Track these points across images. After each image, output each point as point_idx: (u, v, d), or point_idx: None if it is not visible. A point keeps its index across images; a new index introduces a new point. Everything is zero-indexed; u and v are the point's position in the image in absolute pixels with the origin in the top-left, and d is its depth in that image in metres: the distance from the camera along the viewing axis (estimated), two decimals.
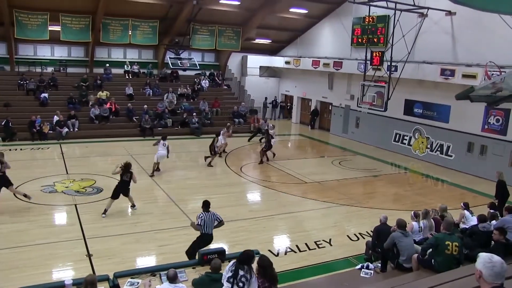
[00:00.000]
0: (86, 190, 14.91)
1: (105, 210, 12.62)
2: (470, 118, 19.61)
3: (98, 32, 26.41)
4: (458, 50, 20.23)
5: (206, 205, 9.55)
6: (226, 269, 6.79)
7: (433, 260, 8.02)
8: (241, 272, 6.62)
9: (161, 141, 17.28)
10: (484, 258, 3.85)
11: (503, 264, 3.79)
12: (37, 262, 9.61)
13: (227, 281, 6.65)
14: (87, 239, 10.94)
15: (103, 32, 26.66)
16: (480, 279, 3.87)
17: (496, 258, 3.82)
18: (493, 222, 9.99)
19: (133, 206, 13.24)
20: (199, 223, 9.20)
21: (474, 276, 3.93)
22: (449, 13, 20.15)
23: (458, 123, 20.34)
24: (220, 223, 9.52)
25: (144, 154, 20.65)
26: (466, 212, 10.93)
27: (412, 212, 10.34)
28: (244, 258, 6.78)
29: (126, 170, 12.82)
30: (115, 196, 12.74)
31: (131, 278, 7.48)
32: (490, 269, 3.76)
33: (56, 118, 22.88)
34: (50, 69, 27.29)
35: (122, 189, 12.83)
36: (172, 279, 6.79)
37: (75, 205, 13.33)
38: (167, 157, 17.46)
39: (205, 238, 9.28)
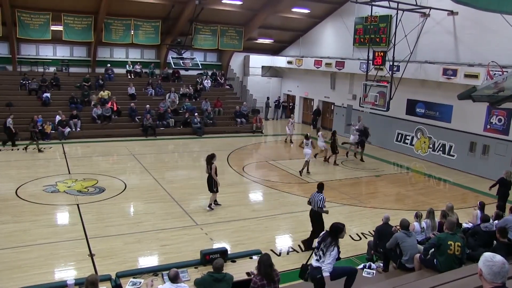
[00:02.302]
0: (88, 190, 14.92)
1: (210, 204, 13.48)
2: (472, 118, 19.57)
3: (100, 32, 26.45)
4: (460, 50, 20.20)
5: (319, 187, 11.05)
6: (316, 240, 7.56)
7: (435, 260, 8.00)
8: (323, 244, 7.18)
9: (304, 140, 18.27)
10: (485, 257, 3.84)
11: (504, 265, 3.77)
12: (39, 262, 9.62)
13: (314, 252, 7.43)
14: (89, 239, 10.96)
15: (105, 32, 26.70)
16: (481, 277, 3.87)
17: (498, 258, 3.80)
18: (496, 222, 9.98)
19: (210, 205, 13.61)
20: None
21: (477, 275, 3.93)
22: (451, 13, 20.11)
23: (460, 123, 20.30)
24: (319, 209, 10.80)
25: (146, 154, 20.73)
26: (479, 212, 10.87)
27: (415, 212, 10.35)
28: (331, 230, 7.31)
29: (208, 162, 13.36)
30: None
31: (133, 278, 7.49)
32: (490, 268, 3.75)
33: (58, 117, 22.91)
34: (52, 69, 27.33)
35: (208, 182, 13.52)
36: (174, 279, 6.79)
37: (77, 205, 13.33)
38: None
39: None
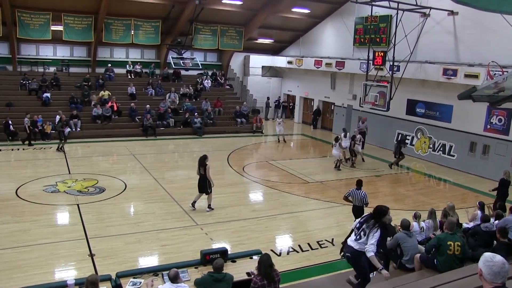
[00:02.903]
0: (88, 190, 14.92)
1: (209, 205, 13.44)
2: (473, 118, 19.57)
3: (100, 32, 26.46)
4: (461, 50, 20.20)
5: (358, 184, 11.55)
6: (357, 220, 7.66)
7: (435, 260, 8.01)
8: (364, 225, 7.30)
9: (333, 142, 19.05)
10: (485, 257, 3.86)
11: (504, 265, 3.79)
12: (39, 262, 9.62)
13: (353, 232, 7.50)
14: (90, 239, 10.96)
15: (106, 32, 26.70)
16: (481, 277, 3.89)
17: (498, 258, 3.82)
18: (496, 222, 9.98)
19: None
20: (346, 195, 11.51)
21: (477, 275, 3.94)
22: (452, 13, 20.11)
23: (461, 123, 20.30)
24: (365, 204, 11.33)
25: (146, 154, 20.74)
26: (479, 212, 10.88)
27: (414, 213, 10.41)
28: (374, 212, 7.37)
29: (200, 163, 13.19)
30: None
31: (134, 278, 7.49)
32: (490, 268, 3.77)
33: (58, 118, 22.88)
34: (52, 69, 27.33)
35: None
36: (174, 279, 6.79)
37: (78, 204, 13.34)
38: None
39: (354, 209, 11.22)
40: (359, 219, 7.64)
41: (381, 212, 7.39)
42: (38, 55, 27.33)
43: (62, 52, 27.92)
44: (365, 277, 7.68)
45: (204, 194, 13.35)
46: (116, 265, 9.31)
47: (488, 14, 15.71)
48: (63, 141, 20.54)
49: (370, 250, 7.14)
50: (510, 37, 16.09)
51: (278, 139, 25.18)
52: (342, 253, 9.28)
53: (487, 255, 3.89)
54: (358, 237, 7.33)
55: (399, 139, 21.68)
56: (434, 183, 18.57)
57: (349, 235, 8.21)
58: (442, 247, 7.89)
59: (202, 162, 13.15)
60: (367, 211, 10.51)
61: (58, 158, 19.28)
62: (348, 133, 20.19)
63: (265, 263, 6.82)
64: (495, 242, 8.84)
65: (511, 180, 13.67)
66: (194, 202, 13.37)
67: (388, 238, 8.93)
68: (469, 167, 19.86)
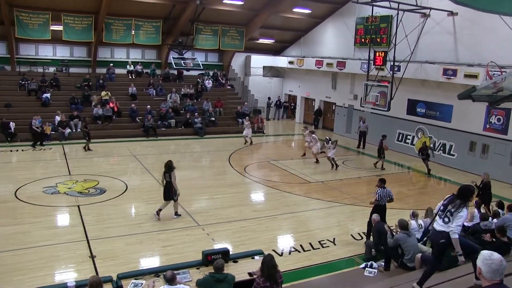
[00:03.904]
0: (89, 191, 14.91)
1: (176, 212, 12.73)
2: (472, 117, 19.60)
3: (100, 32, 26.42)
4: (460, 50, 20.21)
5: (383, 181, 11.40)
6: (440, 203, 7.25)
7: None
8: (450, 207, 6.90)
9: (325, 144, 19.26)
10: (484, 255, 3.96)
11: (502, 262, 3.90)
12: (39, 264, 9.59)
13: (438, 215, 7.06)
14: (90, 240, 10.94)
15: (106, 32, 26.67)
16: (480, 275, 4.00)
17: (496, 255, 3.92)
18: (494, 220, 10.04)
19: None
20: (377, 198, 11.03)
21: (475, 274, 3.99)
22: (451, 13, 20.12)
23: (460, 123, 20.32)
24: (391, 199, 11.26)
25: (147, 155, 20.73)
26: (476, 211, 10.91)
27: (411, 211, 10.64)
28: (459, 192, 6.98)
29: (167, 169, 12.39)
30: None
31: (135, 279, 7.49)
32: (489, 266, 3.87)
33: (58, 118, 22.89)
34: (52, 69, 27.29)
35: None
36: (171, 280, 6.79)
37: (78, 206, 13.32)
38: None
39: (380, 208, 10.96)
40: (442, 201, 7.17)
41: (468, 192, 7.00)
42: (38, 55, 27.27)
43: (62, 52, 27.88)
44: (439, 259, 7.22)
45: (170, 201, 12.55)
46: (117, 266, 9.29)
47: (487, 15, 15.73)
48: (87, 140, 21.00)
49: (456, 231, 6.77)
50: (508, 37, 16.08)
51: (245, 141, 23.96)
52: (425, 239, 9.02)
53: (485, 253, 3.98)
54: (447, 220, 6.88)
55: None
56: (434, 183, 18.57)
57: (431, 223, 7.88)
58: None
59: (169, 168, 12.33)
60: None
61: (58, 159, 19.28)
62: (330, 141, 19.74)
63: (269, 264, 6.79)
64: (493, 240, 8.88)
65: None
66: (160, 210, 12.47)
67: (389, 238, 8.95)
68: (469, 166, 19.86)
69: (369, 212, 13.21)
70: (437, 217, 7.06)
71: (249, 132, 23.71)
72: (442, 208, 7.06)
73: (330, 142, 19.59)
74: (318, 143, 20.19)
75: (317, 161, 20.31)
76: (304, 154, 21.49)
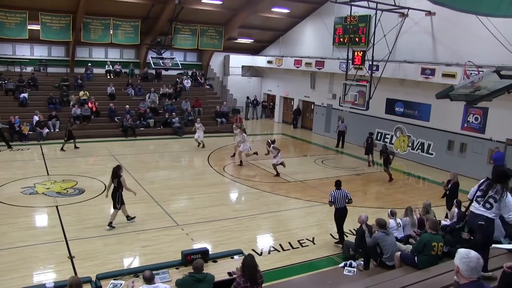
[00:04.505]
0: (67, 191, 14.75)
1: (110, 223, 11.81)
2: (450, 116, 19.87)
3: (79, 31, 26.10)
4: (438, 49, 20.48)
5: (338, 184, 11.39)
6: (475, 188, 6.85)
7: (416, 258, 8.08)
8: (491, 192, 6.59)
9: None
10: (461, 254, 4.05)
11: (479, 259, 3.99)
12: (17, 266, 9.45)
13: (475, 200, 6.67)
14: (69, 241, 10.84)
15: (84, 31, 26.36)
16: (458, 274, 4.08)
17: (473, 253, 4.01)
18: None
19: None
20: (331, 200, 11.06)
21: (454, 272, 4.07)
22: (429, 13, 20.37)
23: (439, 122, 20.60)
24: (350, 200, 11.23)
25: (126, 155, 20.59)
26: (456, 210, 11.05)
27: (389, 210, 10.71)
28: (498, 176, 6.67)
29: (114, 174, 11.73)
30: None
31: (114, 279, 7.44)
32: (466, 264, 3.97)
33: (36, 118, 22.60)
34: (29, 69, 26.90)
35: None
36: (149, 280, 6.79)
37: (56, 206, 13.17)
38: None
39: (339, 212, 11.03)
40: (477, 186, 6.90)
41: (504, 174, 6.71)
42: (15, 54, 26.86)
43: (40, 52, 27.51)
44: (488, 242, 7.00)
45: (118, 209, 11.84)
46: (96, 267, 9.22)
47: (465, 15, 15.91)
48: (66, 141, 20.75)
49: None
50: (485, 37, 16.34)
51: (198, 143, 23.04)
52: (463, 222, 8.75)
53: (462, 251, 4.07)
54: (488, 206, 6.60)
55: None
56: (413, 181, 18.80)
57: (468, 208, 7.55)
58: (427, 247, 7.93)
59: (116, 173, 11.70)
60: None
61: (37, 160, 19.03)
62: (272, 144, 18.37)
63: (250, 264, 6.81)
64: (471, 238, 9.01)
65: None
66: (111, 222, 11.80)
67: (367, 237, 9.03)
68: (447, 165, 20.12)
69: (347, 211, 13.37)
70: (475, 203, 6.79)
71: (201, 135, 22.78)
72: (480, 194, 6.77)
73: (272, 145, 18.19)
74: (247, 144, 19.69)
75: (241, 164, 19.39)
76: (234, 155, 20.52)
